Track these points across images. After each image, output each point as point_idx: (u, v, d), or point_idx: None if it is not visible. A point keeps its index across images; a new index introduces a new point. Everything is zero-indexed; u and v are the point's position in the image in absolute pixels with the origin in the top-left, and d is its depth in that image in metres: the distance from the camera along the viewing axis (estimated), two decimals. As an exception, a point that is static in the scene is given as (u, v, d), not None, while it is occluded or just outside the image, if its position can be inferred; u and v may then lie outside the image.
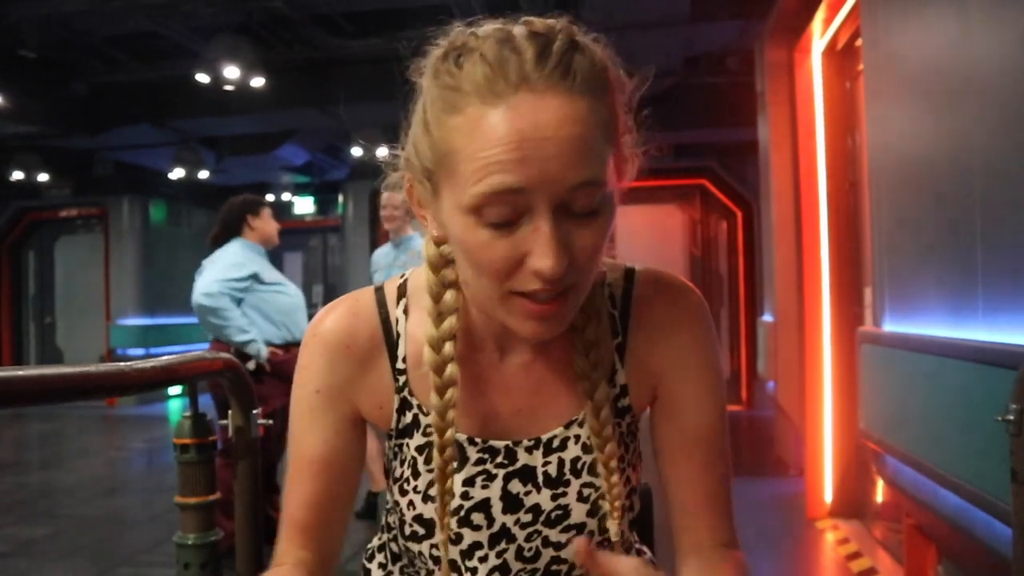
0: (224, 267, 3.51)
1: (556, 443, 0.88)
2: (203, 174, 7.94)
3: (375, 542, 1.02)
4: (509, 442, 0.88)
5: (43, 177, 8.34)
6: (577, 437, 0.88)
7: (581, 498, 0.87)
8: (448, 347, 0.82)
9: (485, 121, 0.70)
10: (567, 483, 0.87)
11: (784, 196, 4.57)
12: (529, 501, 0.88)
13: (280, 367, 3.43)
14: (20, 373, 0.91)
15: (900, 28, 2.44)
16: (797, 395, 4.29)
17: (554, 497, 0.87)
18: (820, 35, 4.00)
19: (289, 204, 9.95)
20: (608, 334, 0.88)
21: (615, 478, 0.86)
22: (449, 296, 0.83)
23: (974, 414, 1.74)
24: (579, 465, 0.88)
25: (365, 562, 1.03)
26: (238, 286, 3.47)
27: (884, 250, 2.51)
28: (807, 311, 4.10)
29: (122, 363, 1.08)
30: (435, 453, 0.83)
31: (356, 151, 7.48)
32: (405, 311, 0.89)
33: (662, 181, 7.62)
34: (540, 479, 0.88)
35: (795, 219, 4.36)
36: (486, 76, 0.70)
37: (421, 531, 0.88)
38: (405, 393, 0.88)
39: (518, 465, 0.88)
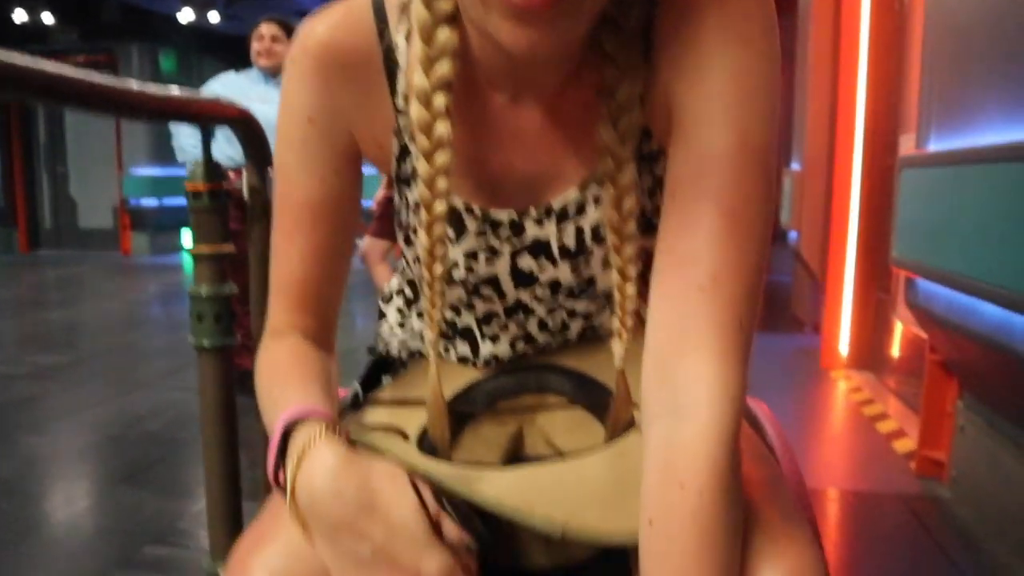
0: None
1: (572, 209, 0.72)
2: (213, 16, 7.67)
3: (393, 284, 0.94)
4: (514, 213, 0.73)
5: (48, 19, 8.08)
6: (597, 198, 0.71)
7: (608, 265, 0.72)
8: (439, 99, 0.65)
9: None
10: (589, 252, 0.74)
11: (822, 42, 4.36)
12: (545, 276, 0.76)
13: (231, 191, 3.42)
14: (26, 64, 0.82)
15: None
16: (820, 245, 4.22)
17: (574, 268, 0.75)
18: None
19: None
20: (638, 92, 0.67)
21: (628, 250, 0.70)
22: (443, 35, 0.64)
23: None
24: (602, 231, 0.72)
25: (382, 304, 0.95)
26: None
27: (933, 70, 2.37)
28: (838, 159, 3.96)
29: (131, 81, 0.99)
30: (421, 232, 0.70)
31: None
32: (407, 37, 0.71)
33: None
34: (556, 252, 0.74)
35: (832, 66, 4.17)
36: None
37: None
38: (405, 138, 0.73)
39: (527, 240, 0.74)
